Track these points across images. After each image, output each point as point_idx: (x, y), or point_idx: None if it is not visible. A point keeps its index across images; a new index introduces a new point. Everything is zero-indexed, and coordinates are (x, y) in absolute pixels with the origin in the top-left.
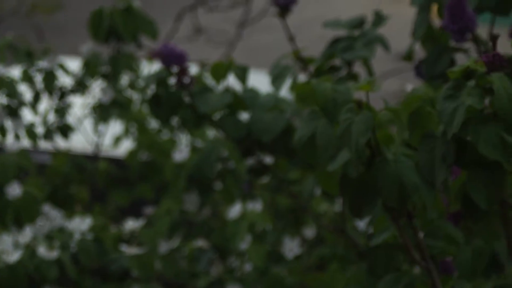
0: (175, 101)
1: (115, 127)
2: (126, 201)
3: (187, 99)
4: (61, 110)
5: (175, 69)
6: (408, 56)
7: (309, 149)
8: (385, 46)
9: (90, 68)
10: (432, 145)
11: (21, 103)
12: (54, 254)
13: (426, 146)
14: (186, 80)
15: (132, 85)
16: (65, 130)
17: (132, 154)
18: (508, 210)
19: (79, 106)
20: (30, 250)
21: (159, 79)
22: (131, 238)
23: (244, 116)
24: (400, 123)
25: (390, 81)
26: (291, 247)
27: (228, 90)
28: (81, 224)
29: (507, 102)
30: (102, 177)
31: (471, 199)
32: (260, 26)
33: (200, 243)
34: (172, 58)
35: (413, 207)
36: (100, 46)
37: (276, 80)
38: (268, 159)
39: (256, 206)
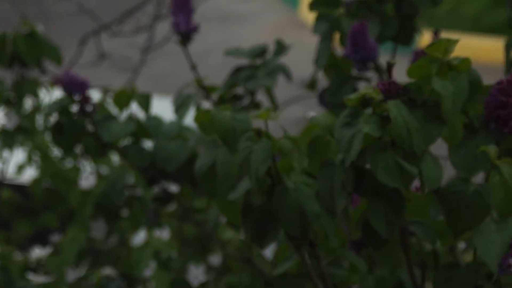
0: (77, 130)
1: (18, 154)
2: (30, 230)
3: (90, 127)
4: None
5: (77, 97)
6: (311, 84)
7: (210, 178)
8: (287, 74)
9: None
10: (331, 173)
11: None
12: None
13: (325, 174)
14: (89, 108)
15: (36, 111)
16: None
17: (36, 182)
18: (408, 237)
19: None
20: None
21: (61, 107)
22: (38, 266)
23: (149, 144)
24: (300, 151)
25: (295, 108)
26: (196, 275)
27: (131, 118)
28: None
29: (404, 129)
30: (6, 205)
31: (371, 227)
32: (165, 52)
33: (108, 271)
34: (74, 86)
35: (315, 236)
36: (4, 71)
37: (180, 109)
38: (174, 187)
39: (163, 233)
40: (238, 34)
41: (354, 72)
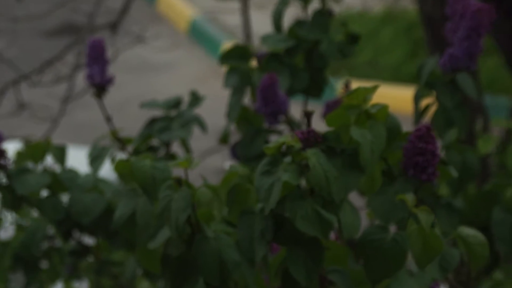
0: None
1: None
2: None
3: (4, 180)
4: None
5: None
6: (223, 138)
7: (130, 228)
8: (202, 126)
9: None
10: (251, 221)
11: None
12: None
13: (245, 222)
14: (3, 161)
15: None
16: None
17: None
18: (327, 285)
19: None
20: None
21: None
22: None
23: (66, 196)
24: (220, 200)
25: (215, 158)
26: None
27: (46, 170)
28: None
29: (323, 178)
30: None
31: (291, 275)
32: (85, 101)
33: None
34: None
35: (235, 285)
36: None
37: (95, 161)
38: (90, 240)
39: (81, 286)
40: (159, 84)
41: (266, 125)
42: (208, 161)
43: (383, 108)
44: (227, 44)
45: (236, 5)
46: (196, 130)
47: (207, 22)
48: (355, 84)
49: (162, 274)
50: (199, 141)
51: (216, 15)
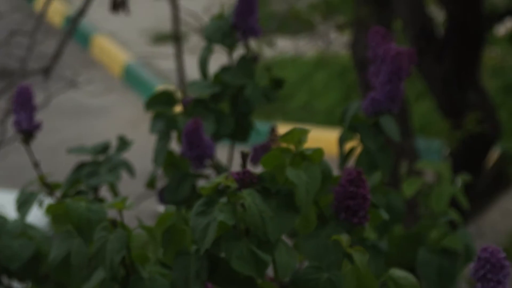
0: None
1: None
2: None
3: None
4: None
5: None
6: (150, 183)
7: (64, 270)
8: (130, 170)
9: None
10: (186, 262)
11: None
12: None
13: (180, 263)
14: None
15: None
16: None
17: None
18: None
19: None
20: None
21: None
22: None
23: None
24: (155, 241)
25: (147, 203)
26: None
27: None
28: None
29: (258, 218)
30: None
31: None
32: (20, 145)
33: None
34: None
35: None
36: None
37: (22, 207)
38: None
39: None
40: (93, 128)
41: (192, 169)
42: (142, 205)
43: (319, 150)
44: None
45: (170, 50)
46: (126, 175)
47: (141, 66)
48: (287, 129)
49: None
50: (131, 185)
51: (150, 60)
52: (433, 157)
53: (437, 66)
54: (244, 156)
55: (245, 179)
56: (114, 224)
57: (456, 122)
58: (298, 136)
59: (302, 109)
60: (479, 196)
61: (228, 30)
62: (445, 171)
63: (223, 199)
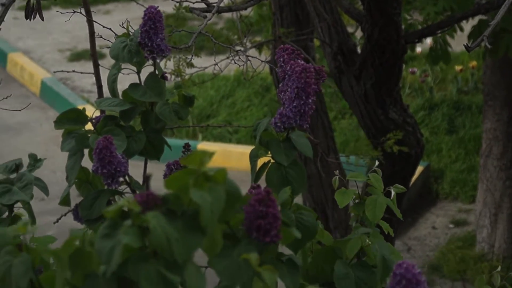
0: None
1: None
2: None
3: None
4: None
5: None
6: (63, 200)
7: None
8: (43, 188)
9: None
10: (95, 285)
11: None
12: None
13: (89, 286)
14: None
15: None
16: None
17: None
18: None
19: None
20: None
21: None
22: None
23: None
24: (62, 264)
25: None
26: None
27: None
28: None
29: (164, 239)
30: None
31: None
32: None
33: None
34: None
35: None
36: None
37: None
38: None
39: None
40: (14, 145)
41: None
42: (66, 219)
43: (221, 170)
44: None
45: (88, 68)
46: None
47: (58, 84)
48: (211, 146)
49: None
50: (52, 201)
51: (68, 78)
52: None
53: (356, 85)
54: (146, 178)
55: (149, 201)
56: (19, 247)
57: (378, 141)
58: (200, 157)
59: (223, 127)
60: (406, 212)
61: (135, 49)
62: (376, 182)
63: (128, 222)
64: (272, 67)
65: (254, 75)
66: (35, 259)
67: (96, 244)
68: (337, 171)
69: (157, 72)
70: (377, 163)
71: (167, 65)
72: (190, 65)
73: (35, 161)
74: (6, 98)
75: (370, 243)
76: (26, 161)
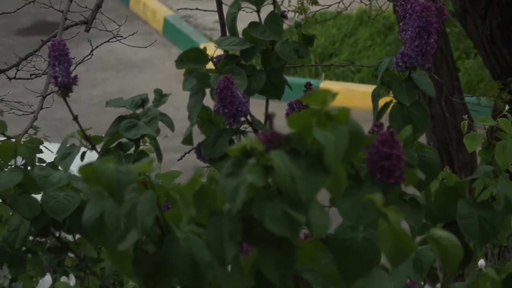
0: None
1: None
2: None
3: None
4: None
5: None
6: (186, 139)
7: (98, 229)
8: (168, 124)
9: None
10: (219, 222)
11: None
12: None
13: (213, 223)
14: None
15: None
16: None
17: None
18: (302, 285)
19: None
20: None
21: None
22: None
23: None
24: (186, 202)
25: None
26: None
27: (17, 169)
28: None
29: (288, 178)
30: None
31: (263, 275)
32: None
33: None
34: None
35: (209, 285)
36: None
37: (64, 160)
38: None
39: (68, 280)
40: (136, 82)
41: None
42: (189, 157)
43: (344, 110)
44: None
45: (211, 6)
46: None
47: (181, 21)
48: (333, 85)
49: (135, 275)
50: (176, 138)
51: (190, 15)
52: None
53: (482, 25)
54: (269, 117)
55: (272, 140)
56: (145, 185)
57: (505, 81)
58: (323, 96)
59: (346, 66)
60: None
61: None
62: (506, 127)
63: (252, 161)
64: (395, 5)
65: (377, 13)
66: (161, 197)
67: (221, 182)
68: (466, 115)
69: (276, 11)
70: (507, 107)
71: (291, 1)
72: (314, 2)
73: (160, 96)
74: (133, 34)
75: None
76: (150, 98)
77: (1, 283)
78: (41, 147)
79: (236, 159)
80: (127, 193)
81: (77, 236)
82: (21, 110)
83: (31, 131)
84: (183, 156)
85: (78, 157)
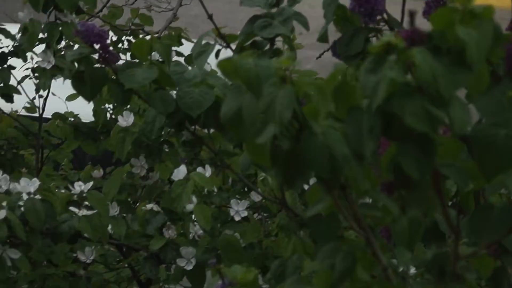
0: (99, 78)
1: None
2: (94, 151)
3: (113, 75)
4: (2, 71)
5: (97, 46)
6: (322, 37)
7: (236, 123)
8: (303, 23)
9: (29, 35)
10: (358, 117)
11: None
12: (1, 213)
13: (353, 118)
14: (109, 56)
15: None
16: (8, 92)
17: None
18: (440, 180)
19: (20, 70)
20: None
21: (81, 56)
22: (81, 200)
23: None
24: (325, 97)
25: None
26: (237, 210)
27: (153, 65)
28: (28, 186)
29: (430, 74)
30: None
31: (403, 170)
32: None
33: (151, 206)
34: (92, 37)
35: (345, 178)
36: (39, 14)
37: (199, 57)
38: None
39: (204, 171)
40: None
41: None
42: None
43: (489, 8)
44: None
45: None
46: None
47: None
48: None
49: (273, 167)
50: (311, 36)
51: None
52: None
53: None
54: (412, 14)
55: (414, 38)
56: (283, 79)
57: None
58: None
59: None
60: None
61: None
62: None
63: (392, 57)
64: None
65: None
66: (299, 92)
67: (361, 78)
68: None
69: None
70: None
71: None
72: None
73: None
74: None
75: None
76: None
77: (138, 172)
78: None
79: (377, 56)
80: (266, 88)
81: (211, 130)
82: (160, 7)
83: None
84: (322, 54)
85: (212, 55)
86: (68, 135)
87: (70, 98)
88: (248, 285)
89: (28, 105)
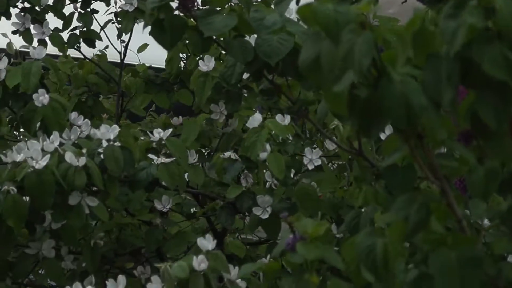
0: (178, 26)
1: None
2: (166, 104)
3: (192, 23)
4: (85, 15)
5: None
6: None
7: (314, 71)
8: None
9: None
10: (437, 64)
11: (45, 7)
12: (81, 160)
13: (431, 65)
14: (189, 3)
15: None
16: (90, 36)
17: (170, 61)
18: None
19: (103, 14)
20: (57, 157)
21: (161, 4)
22: (160, 147)
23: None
24: (404, 43)
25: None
26: (311, 158)
27: (233, 12)
28: (108, 133)
29: (511, 20)
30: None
31: (480, 118)
32: None
33: (229, 154)
34: None
35: (422, 128)
36: None
37: (279, 3)
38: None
39: (283, 118)
40: None
41: None
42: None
43: None
44: None
45: None
46: None
47: None
48: None
49: (349, 116)
50: None
51: None
52: None
53: None
54: None
55: None
56: (362, 25)
57: None
58: None
59: None
60: None
61: None
62: None
63: (473, 2)
64: None
65: None
66: (378, 38)
67: (441, 24)
68: None
69: None
70: None
71: None
72: None
73: None
74: None
75: None
76: None
77: (217, 118)
78: None
79: (457, 0)
80: (344, 34)
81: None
82: None
83: None
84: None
85: (293, 1)
86: (139, 89)
87: (141, 49)
88: (319, 238)
89: (103, 52)
